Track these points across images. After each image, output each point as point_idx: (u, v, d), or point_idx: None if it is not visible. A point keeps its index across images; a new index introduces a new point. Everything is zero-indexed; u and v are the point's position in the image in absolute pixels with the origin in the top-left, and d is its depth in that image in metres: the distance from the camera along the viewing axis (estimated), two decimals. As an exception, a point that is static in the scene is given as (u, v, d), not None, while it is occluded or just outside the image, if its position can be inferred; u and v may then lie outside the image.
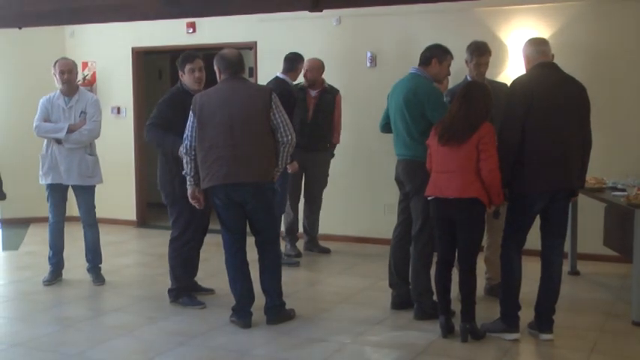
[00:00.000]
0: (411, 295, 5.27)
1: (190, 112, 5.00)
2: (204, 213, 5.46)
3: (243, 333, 5.01)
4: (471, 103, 4.71)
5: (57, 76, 6.13)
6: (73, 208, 6.62)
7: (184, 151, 5.03)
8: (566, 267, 6.49)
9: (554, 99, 4.68)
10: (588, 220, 6.61)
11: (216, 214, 5.13)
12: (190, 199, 5.12)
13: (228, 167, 4.92)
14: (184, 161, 5.06)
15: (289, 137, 5.05)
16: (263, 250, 5.18)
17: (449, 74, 5.32)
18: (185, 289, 5.60)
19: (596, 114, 6.75)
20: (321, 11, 5.22)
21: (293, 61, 6.84)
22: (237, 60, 5.11)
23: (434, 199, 4.82)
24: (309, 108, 7.13)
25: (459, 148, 4.68)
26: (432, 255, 5.17)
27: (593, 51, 6.93)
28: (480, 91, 4.80)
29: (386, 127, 5.41)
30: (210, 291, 5.84)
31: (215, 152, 4.92)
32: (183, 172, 5.10)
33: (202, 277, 5.96)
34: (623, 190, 5.70)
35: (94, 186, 6.28)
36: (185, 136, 5.02)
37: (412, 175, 5.12)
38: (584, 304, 5.75)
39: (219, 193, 5.00)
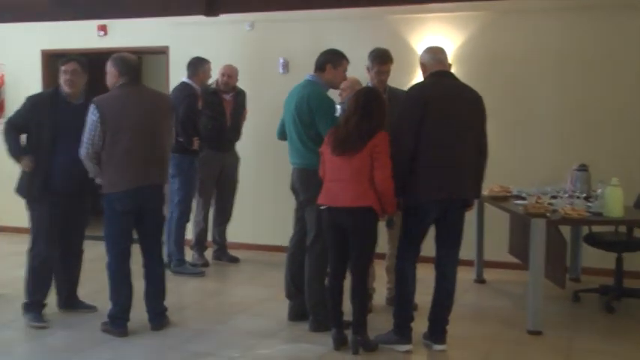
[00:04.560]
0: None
1: (92, 117, 4.82)
2: (54, 223, 5.20)
3: (128, 347, 4.83)
4: (365, 112, 4.62)
5: None
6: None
7: (84, 156, 4.87)
8: (472, 275, 6.55)
9: (448, 107, 4.62)
10: (496, 228, 6.61)
11: (110, 221, 4.97)
12: None
13: (143, 171, 4.93)
14: (84, 163, 4.91)
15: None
16: (151, 254, 5.14)
17: (345, 79, 5.22)
18: (36, 304, 5.30)
19: (504, 122, 6.87)
20: (217, 15, 5.15)
21: (196, 65, 6.74)
22: (137, 65, 5.14)
23: (326, 209, 4.72)
24: (227, 112, 7.07)
25: (353, 157, 4.59)
26: (327, 265, 5.06)
27: (502, 59, 6.95)
28: (373, 99, 4.70)
29: (283, 134, 5.30)
30: (92, 308, 5.57)
31: (128, 157, 4.86)
32: (91, 176, 4.96)
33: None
34: (525, 199, 5.71)
35: None
36: (86, 140, 4.84)
37: (306, 184, 5.02)
38: (485, 312, 5.74)
39: (125, 199, 4.90)
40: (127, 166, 4.88)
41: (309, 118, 4.94)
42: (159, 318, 5.17)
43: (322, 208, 4.74)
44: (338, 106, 5.22)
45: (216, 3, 4.80)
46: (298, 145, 5.04)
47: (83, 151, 4.87)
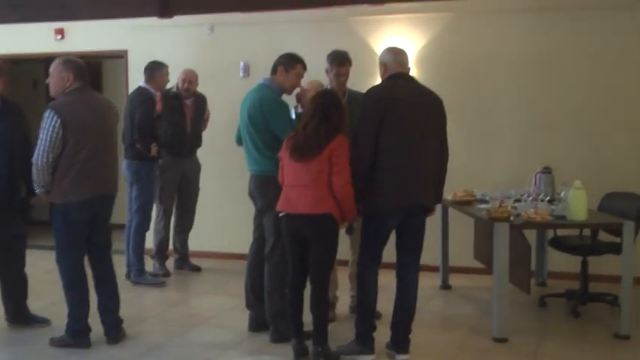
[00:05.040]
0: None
1: (52, 123, 4.59)
2: None
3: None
4: (327, 117, 4.49)
5: None
6: None
7: (42, 164, 4.63)
8: (437, 281, 6.45)
9: (408, 111, 4.50)
10: (461, 233, 6.52)
11: (62, 232, 4.79)
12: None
13: (102, 180, 4.81)
14: (38, 172, 4.66)
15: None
16: (102, 265, 5.00)
17: (298, 84, 5.07)
18: None
19: (467, 125, 6.80)
20: (172, 17, 5.01)
21: (153, 70, 6.59)
22: (86, 68, 4.93)
23: (285, 215, 4.59)
24: (187, 117, 6.91)
25: (311, 162, 4.45)
26: (286, 274, 4.92)
27: (464, 61, 6.88)
28: (331, 102, 4.57)
29: (241, 140, 5.15)
30: (45, 322, 5.34)
31: (89, 165, 4.70)
32: (36, 183, 4.72)
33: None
34: (489, 202, 5.63)
35: None
36: (42, 147, 4.61)
37: (263, 190, 4.88)
38: (450, 320, 5.65)
39: (83, 209, 4.74)
40: (87, 174, 4.71)
41: (262, 124, 4.81)
42: (114, 331, 4.99)
43: (281, 215, 4.61)
44: (292, 110, 5.09)
45: (170, 4, 4.62)
46: (253, 152, 4.91)
47: (41, 160, 4.63)
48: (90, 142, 4.70)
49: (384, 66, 4.71)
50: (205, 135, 7.13)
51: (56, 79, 4.78)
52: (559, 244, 5.72)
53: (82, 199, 4.73)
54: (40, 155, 4.62)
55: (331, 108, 4.53)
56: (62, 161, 4.66)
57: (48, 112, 4.63)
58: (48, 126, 4.61)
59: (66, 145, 4.63)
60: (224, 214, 7.59)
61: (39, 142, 4.63)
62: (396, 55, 4.75)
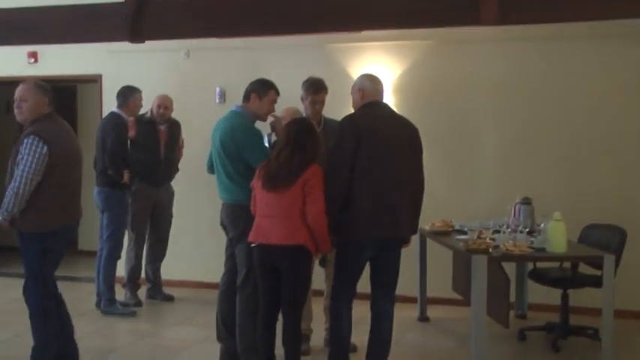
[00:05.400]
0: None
1: (39, 150, 4.42)
2: None
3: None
4: (300, 146, 4.37)
5: None
6: None
7: (24, 192, 4.42)
8: (415, 312, 6.30)
9: (383, 140, 4.40)
10: (440, 263, 6.39)
11: (35, 260, 4.58)
12: None
13: (75, 207, 4.76)
14: (16, 199, 4.41)
15: None
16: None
17: (272, 111, 4.96)
18: None
19: (445, 154, 6.71)
20: (143, 42, 4.87)
21: (126, 95, 6.48)
22: None
23: (257, 246, 4.44)
24: (161, 143, 6.76)
25: (284, 192, 4.32)
26: (258, 306, 4.76)
27: (442, 89, 6.79)
28: (305, 131, 4.45)
29: (212, 168, 5.01)
30: None
31: (65, 192, 4.62)
32: (5, 210, 4.46)
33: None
34: (467, 233, 5.51)
35: None
36: (26, 174, 4.39)
37: (235, 220, 4.75)
38: (428, 353, 5.52)
39: (62, 237, 4.65)
40: (65, 201, 4.63)
41: (235, 152, 4.68)
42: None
43: (253, 245, 4.46)
44: (266, 137, 4.96)
45: (142, 29, 4.50)
46: (225, 180, 4.78)
47: (24, 187, 4.41)
48: (68, 168, 4.60)
49: (361, 92, 4.62)
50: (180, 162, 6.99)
51: (32, 103, 4.59)
52: (539, 276, 5.61)
53: (60, 227, 4.60)
54: (22, 183, 4.41)
55: (305, 136, 4.41)
56: (41, 188, 4.48)
57: (32, 138, 4.44)
58: (35, 153, 4.42)
59: (46, 172, 4.47)
60: (198, 242, 7.41)
61: (22, 169, 4.39)
62: (374, 83, 4.67)
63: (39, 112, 4.60)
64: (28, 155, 4.42)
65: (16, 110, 4.62)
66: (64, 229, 4.65)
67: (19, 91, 4.63)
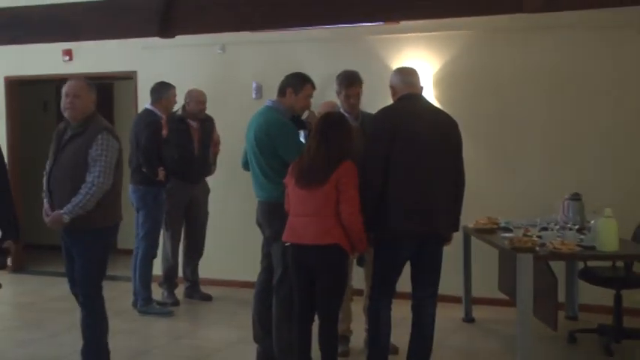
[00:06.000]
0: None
1: (115, 146, 4.48)
2: None
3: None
4: (328, 140, 4.20)
5: None
6: None
7: (107, 187, 4.42)
8: (460, 313, 6.07)
9: (418, 134, 4.20)
10: (485, 262, 6.12)
11: (101, 258, 4.55)
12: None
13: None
14: (96, 196, 4.36)
15: None
16: None
17: (308, 105, 4.78)
18: None
19: (491, 149, 6.46)
20: (173, 37, 4.73)
21: (159, 91, 6.38)
22: None
23: (291, 245, 4.28)
24: (194, 140, 6.64)
25: (317, 190, 4.15)
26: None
27: (488, 82, 6.51)
28: (331, 124, 4.28)
29: (247, 164, 4.87)
30: None
31: (119, 188, 4.64)
32: (79, 208, 4.34)
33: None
34: (512, 231, 5.27)
35: None
36: (107, 171, 4.38)
37: (270, 218, 4.59)
38: (472, 355, 5.31)
39: (115, 232, 4.75)
40: (118, 197, 4.63)
41: (269, 148, 4.52)
42: None
43: (287, 244, 4.30)
44: (302, 133, 4.79)
45: (171, 24, 4.36)
46: (260, 178, 4.62)
47: (107, 183, 4.38)
48: (120, 165, 4.56)
49: (392, 89, 4.48)
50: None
51: (85, 100, 4.51)
52: (590, 276, 5.32)
53: (117, 222, 4.64)
54: (105, 179, 4.37)
55: (331, 130, 4.24)
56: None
57: (105, 134, 4.42)
58: (111, 148, 4.42)
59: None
60: (236, 240, 7.26)
61: (104, 164, 4.36)
62: (404, 76, 4.47)
63: (89, 109, 4.53)
64: (107, 151, 4.41)
65: (68, 106, 4.49)
66: (118, 225, 4.65)
67: (72, 87, 4.52)
